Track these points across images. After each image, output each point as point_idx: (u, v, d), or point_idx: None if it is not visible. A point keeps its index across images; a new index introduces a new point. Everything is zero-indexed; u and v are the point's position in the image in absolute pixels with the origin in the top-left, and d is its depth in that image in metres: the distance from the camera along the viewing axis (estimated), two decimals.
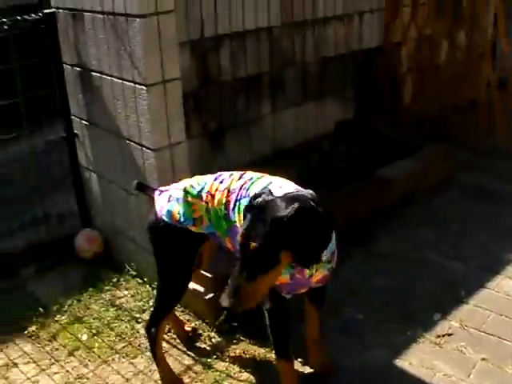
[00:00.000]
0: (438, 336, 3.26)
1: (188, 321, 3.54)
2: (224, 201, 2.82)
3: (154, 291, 3.67)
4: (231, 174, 2.90)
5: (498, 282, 3.75)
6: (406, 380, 2.98)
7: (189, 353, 3.33)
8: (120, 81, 3.52)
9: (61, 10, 3.91)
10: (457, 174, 4.99)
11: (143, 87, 3.36)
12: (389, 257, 3.82)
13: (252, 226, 2.37)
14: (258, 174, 2.85)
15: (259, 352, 3.25)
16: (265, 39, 4.68)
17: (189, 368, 3.22)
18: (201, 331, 3.46)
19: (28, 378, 3.26)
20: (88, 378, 3.22)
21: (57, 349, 3.46)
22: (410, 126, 5.47)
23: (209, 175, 2.96)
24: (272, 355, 3.08)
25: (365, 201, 4.23)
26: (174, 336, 3.44)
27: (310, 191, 2.51)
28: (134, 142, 3.54)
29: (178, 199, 2.91)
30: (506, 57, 5.17)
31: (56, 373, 3.28)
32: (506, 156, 5.21)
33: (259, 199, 2.43)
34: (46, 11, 3.95)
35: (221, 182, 2.88)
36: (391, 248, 3.97)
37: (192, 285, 3.42)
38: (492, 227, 4.31)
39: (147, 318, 3.45)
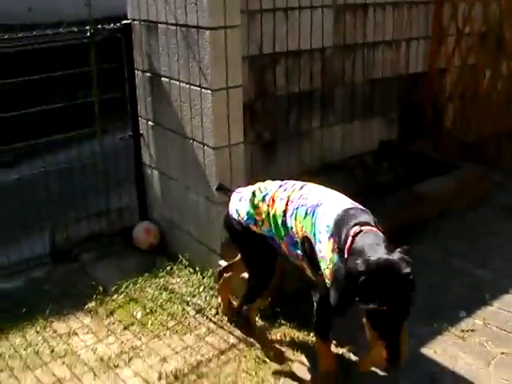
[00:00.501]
0: (462, 331, 3.54)
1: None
2: (283, 208, 3.08)
3: (205, 279, 4.05)
4: (294, 184, 3.18)
5: None
6: (431, 365, 3.29)
7: (235, 333, 3.63)
8: (188, 85, 3.91)
9: (136, 22, 4.32)
10: (491, 194, 5.24)
11: (209, 91, 3.75)
12: (421, 261, 4.11)
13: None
14: (317, 186, 3.12)
15: (298, 335, 3.55)
16: (318, 59, 5.05)
17: (233, 346, 3.54)
18: None
19: (87, 346, 3.61)
20: (141, 349, 3.55)
21: (113, 323, 3.81)
22: (450, 149, 5.75)
23: (277, 181, 3.27)
24: (310, 338, 3.41)
25: (402, 213, 4.54)
26: (222, 318, 3.76)
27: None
28: (197, 141, 3.92)
29: (246, 200, 3.25)
30: None
31: (112, 343, 3.62)
32: None
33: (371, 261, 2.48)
34: (123, 22, 4.37)
35: (284, 190, 3.16)
36: (423, 254, 4.25)
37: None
38: None
39: (197, 301, 3.83)
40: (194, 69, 3.80)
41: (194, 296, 3.96)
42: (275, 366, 3.32)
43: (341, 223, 2.73)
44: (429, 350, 3.39)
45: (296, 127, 5.05)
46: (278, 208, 3.10)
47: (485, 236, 4.63)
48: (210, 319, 3.78)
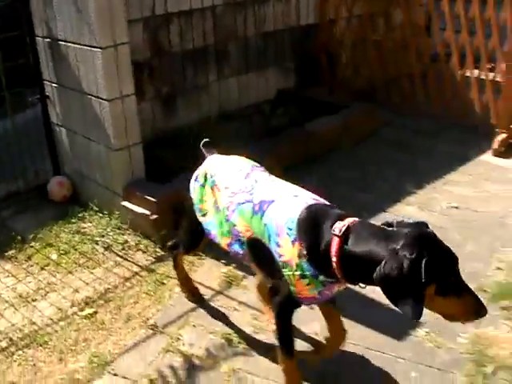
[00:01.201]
0: None
1: (139, 241, 4.30)
2: (226, 201, 2.82)
3: (112, 221, 4.48)
4: (240, 170, 2.88)
5: (398, 207, 4.57)
6: None
7: (138, 263, 4.10)
8: (81, 46, 4.30)
9: None
10: (381, 130, 5.79)
11: (99, 50, 4.16)
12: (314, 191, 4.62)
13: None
14: (264, 177, 2.84)
15: (193, 259, 4.03)
16: (209, 16, 5.48)
17: (137, 273, 4.00)
18: (147, 246, 4.22)
19: (7, 287, 4.02)
20: (56, 284, 3.98)
21: (31, 266, 4.21)
22: (344, 93, 6.26)
23: (226, 162, 3.01)
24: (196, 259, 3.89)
25: (294, 149, 5.04)
26: (127, 252, 4.21)
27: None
28: (93, 96, 4.34)
29: (199, 182, 3.02)
30: (437, 34, 5.96)
31: (30, 282, 4.03)
32: (428, 117, 6.04)
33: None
34: None
35: (229, 177, 2.86)
36: (312, 183, 4.72)
37: (139, 209, 4.24)
38: (403, 170, 5.15)
39: (106, 240, 4.27)
40: (84, 31, 4.20)
41: (102, 236, 4.38)
42: (171, 287, 3.77)
43: (308, 225, 2.45)
44: None
45: (193, 81, 5.49)
46: (222, 201, 2.85)
47: (369, 165, 5.18)
48: (117, 254, 4.20)
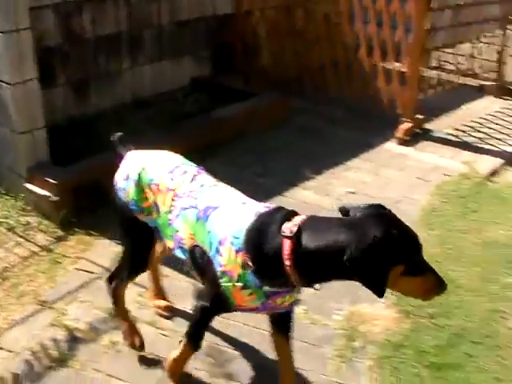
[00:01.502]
0: None
1: (40, 222, 4.38)
2: (169, 204, 2.62)
3: (17, 202, 4.54)
4: (184, 172, 2.68)
5: (294, 191, 4.74)
6: None
7: (38, 244, 4.19)
8: None
9: None
10: (292, 118, 5.95)
11: (0, 34, 4.23)
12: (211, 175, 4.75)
13: None
14: (210, 181, 2.67)
15: (89, 240, 4.14)
16: (123, 4, 5.57)
17: (35, 253, 4.09)
18: (48, 226, 4.31)
19: None
20: None
21: None
22: (260, 82, 6.41)
23: (164, 160, 2.80)
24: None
25: (200, 135, 5.17)
26: (28, 233, 4.28)
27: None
28: None
29: (133, 181, 2.75)
30: (361, 24, 6.10)
31: None
32: (340, 106, 6.27)
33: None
34: None
35: (172, 178, 2.66)
36: (215, 169, 4.79)
37: (41, 191, 4.32)
38: (306, 156, 5.33)
39: (9, 221, 4.33)
40: None
41: (6, 218, 4.44)
42: (66, 265, 3.89)
43: (255, 234, 2.34)
44: None
45: (106, 68, 5.59)
46: (165, 202, 2.64)
47: (274, 151, 5.33)
48: (19, 235, 4.27)
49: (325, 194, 4.70)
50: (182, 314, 3.33)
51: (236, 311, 2.56)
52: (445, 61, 6.68)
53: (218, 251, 2.38)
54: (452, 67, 6.77)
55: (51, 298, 3.58)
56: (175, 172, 2.66)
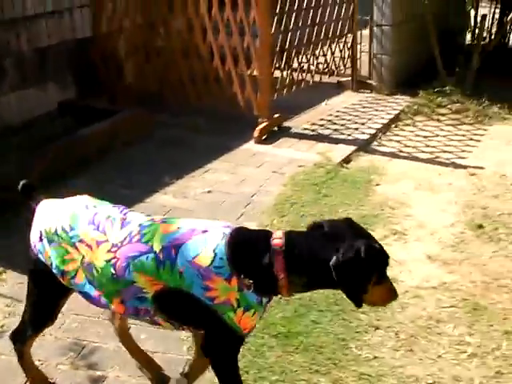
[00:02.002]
0: None
1: None
2: (106, 257, 2.38)
3: None
4: (108, 217, 2.46)
5: (155, 197, 5.03)
6: None
7: None
8: None
9: None
10: (156, 131, 6.27)
11: None
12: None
13: None
14: (144, 219, 2.48)
15: None
16: None
17: None
18: None
19: None
20: None
21: None
22: (126, 100, 6.69)
23: (80, 210, 2.51)
24: None
25: (64, 155, 5.41)
26: None
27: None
28: None
29: (50, 241, 2.50)
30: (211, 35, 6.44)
31: None
32: (200, 115, 6.59)
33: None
34: None
35: (96, 229, 2.43)
36: (81, 187, 4.58)
37: None
38: (167, 164, 5.59)
39: None
40: None
41: None
42: None
43: (241, 255, 2.32)
44: None
45: None
46: (99, 257, 2.38)
47: (138, 164, 5.61)
48: None
49: (183, 197, 4.99)
50: None
51: (245, 336, 2.46)
52: (302, 62, 7.09)
53: (204, 288, 2.27)
54: (310, 67, 7.19)
55: None
56: (97, 220, 2.43)
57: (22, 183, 2.66)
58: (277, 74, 6.76)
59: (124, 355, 3.06)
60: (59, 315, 3.27)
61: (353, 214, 4.63)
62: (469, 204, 5.02)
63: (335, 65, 7.55)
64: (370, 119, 6.74)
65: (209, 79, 6.45)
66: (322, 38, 7.22)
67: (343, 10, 7.41)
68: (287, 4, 6.71)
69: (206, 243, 2.29)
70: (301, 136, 6.27)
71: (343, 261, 2.20)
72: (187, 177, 5.35)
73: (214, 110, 6.49)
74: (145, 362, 2.96)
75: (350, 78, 7.66)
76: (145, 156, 5.72)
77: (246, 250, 2.33)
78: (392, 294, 2.43)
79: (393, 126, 6.72)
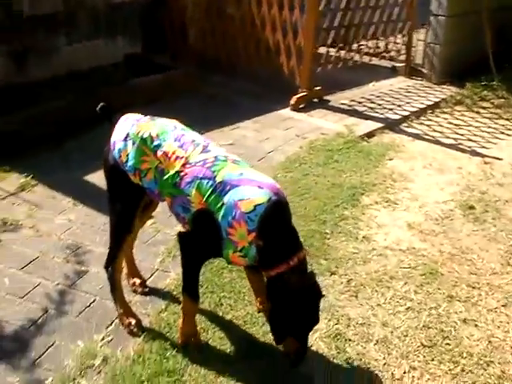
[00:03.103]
0: None
1: None
2: (178, 168, 2.86)
3: None
4: (193, 141, 2.93)
5: None
6: None
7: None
8: None
9: None
10: (204, 88, 6.92)
11: None
12: None
13: None
14: (222, 153, 2.94)
15: (13, 177, 5.01)
16: None
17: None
18: None
19: None
20: None
21: None
22: (188, 59, 7.34)
23: (170, 128, 3.03)
24: None
25: (117, 100, 6.06)
26: None
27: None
28: None
29: (133, 143, 2.96)
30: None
31: None
32: (251, 80, 7.18)
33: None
34: None
35: (180, 147, 2.89)
36: None
37: None
38: (200, 118, 5.84)
39: None
40: None
41: None
42: None
43: (271, 226, 2.81)
44: None
45: (44, 42, 6.50)
46: (173, 165, 2.88)
47: (176, 115, 6.06)
48: None
49: None
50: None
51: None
52: (351, 42, 7.52)
53: (229, 224, 2.75)
54: (359, 47, 7.62)
55: None
56: (182, 140, 2.91)
57: (100, 104, 3.22)
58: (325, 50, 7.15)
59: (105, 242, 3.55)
60: (65, 221, 4.03)
61: (354, 180, 5.18)
62: (470, 187, 5.33)
63: (387, 49, 7.86)
64: (408, 103, 7.05)
65: (260, 47, 6.94)
66: (376, 21, 7.54)
67: None
68: None
69: (254, 195, 2.75)
70: (336, 109, 6.71)
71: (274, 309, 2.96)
72: (216, 130, 5.86)
73: (262, 76, 7.07)
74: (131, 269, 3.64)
75: (404, 64, 7.91)
76: (186, 108, 6.27)
77: (277, 227, 2.84)
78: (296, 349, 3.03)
79: (429, 111, 6.99)
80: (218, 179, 2.79)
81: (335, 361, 3.31)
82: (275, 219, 2.80)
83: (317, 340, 3.43)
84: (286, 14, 6.62)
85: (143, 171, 2.95)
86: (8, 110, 5.55)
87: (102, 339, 3.30)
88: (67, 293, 3.67)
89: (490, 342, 3.52)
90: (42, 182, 4.88)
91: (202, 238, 2.94)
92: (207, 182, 2.79)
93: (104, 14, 6.72)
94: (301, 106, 6.58)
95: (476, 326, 3.66)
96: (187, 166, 2.85)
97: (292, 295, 2.82)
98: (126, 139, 2.99)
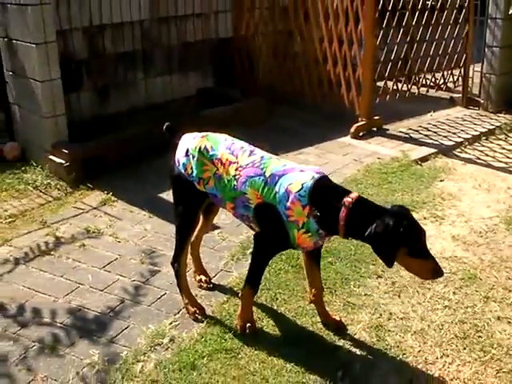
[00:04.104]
0: None
1: (57, 183, 5.95)
2: (233, 173, 3.30)
3: (44, 171, 6.18)
4: (242, 147, 3.40)
5: None
6: None
7: (52, 195, 5.80)
8: (25, 43, 6.09)
9: None
10: (271, 119, 7.44)
11: (34, 45, 5.95)
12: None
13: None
14: (267, 154, 3.41)
15: (87, 193, 5.73)
16: (137, 28, 7.22)
17: (49, 201, 5.64)
18: (62, 185, 5.92)
19: None
20: None
21: None
22: (258, 92, 7.87)
23: (221, 140, 3.51)
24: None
25: (188, 129, 6.69)
26: (47, 191, 5.92)
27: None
28: (32, 79, 6.09)
29: (193, 156, 3.43)
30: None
31: None
32: (314, 111, 7.72)
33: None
34: None
35: (231, 153, 3.35)
36: None
37: (58, 160, 5.97)
38: (270, 144, 5.99)
39: (36, 183, 5.98)
40: (26, 32, 5.97)
41: (34, 181, 6.05)
42: (67, 207, 5.49)
43: (319, 195, 3.16)
44: None
45: (124, 78, 7.22)
46: (228, 171, 3.31)
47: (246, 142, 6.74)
48: (40, 190, 5.86)
49: None
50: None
51: (296, 249, 3.44)
52: (408, 74, 7.98)
53: (286, 207, 3.14)
54: (417, 79, 8.08)
55: (50, 222, 5.15)
56: (232, 148, 3.37)
57: (166, 124, 3.73)
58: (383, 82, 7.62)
59: None
60: (141, 230, 4.66)
61: (406, 199, 5.54)
62: None
63: (444, 81, 8.27)
64: (463, 130, 7.38)
65: (322, 80, 7.49)
66: (433, 54, 7.98)
67: (457, 30, 8.11)
68: (396, 19, 7.56)
69: (299, 178, 3.18)
70: (393, 137, 7.12)
71: (374, 233, 3.05)
72: (282, 155, 6.20)
73: (325, 106, 7.58)
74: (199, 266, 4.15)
75: (460, 95, 8.30)
76: (253, 136, 6.53)
77: (324, 193, 3.19)
78: (428, 270, 3.18)
79: (483, 138, 7.27)
80: (268, 174, 3.23)
81: (375, 347, 3.69)
82: (322, 190, 3.18)
83: (359, 330, 3.83)
84: (345, 50, 7.05)
85: (205, 179, 3.42)
86: (92, 137, 6.15)
87: (170, 324, 3.83)
88: (141, 287, 4.20)
89: None
90: (121, 199, 5.51)
91: (269, 230, 3.35)
92: (259, 178, 3.24)
93: (178, 51, 7.42)
94: (360, 134, 7.00)
95: (509, 322, 3.96)
96: (240, 168, 3.29)
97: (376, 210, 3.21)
98: (187, 154, 3.47)
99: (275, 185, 3.20)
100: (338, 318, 3.77)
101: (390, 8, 7.24)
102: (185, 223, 3.67)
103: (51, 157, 6.01)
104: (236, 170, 3.30)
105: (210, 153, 3.41)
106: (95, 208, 5.35)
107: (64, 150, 5.89)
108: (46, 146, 6.07)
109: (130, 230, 4.95)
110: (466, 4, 7.96)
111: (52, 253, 4.65)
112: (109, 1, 6.85)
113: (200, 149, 3.44)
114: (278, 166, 3.27)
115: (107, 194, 5.58)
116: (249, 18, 8.01)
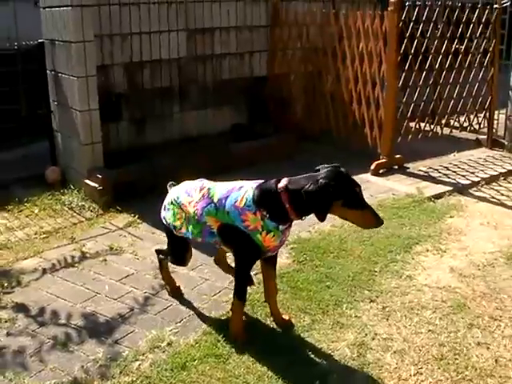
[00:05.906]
0: None
1: (90, 205, 6.51)
2: (193, 210, 3.77)
3: (80, 194, 6.72)
4: (195, 188, 3.85)
5: None
6: None
7: (85, 216, 6.34)
8: (68, 76, 6.69)
9: (46, 40, 7.16)
10: (298, 154, 7.79)
11: (75, 78, 6.54)
12: None
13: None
14: (212, 183, 3.85)
15: (117, 215, 6.25)
16: (175, 65, 7.74)
17: (81, 221, 6.20)
18: (94, 207, 6.46)
19: (7, 227, 6.33)
20: (31, 225, 6.24)
21: (20, 215, 6.52)
22: (290, 130, 8.29)
23: (182, 187, 3.99)
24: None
25: (216, 163, 7.08)
26: (81, 211, 6.47)
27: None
28: (73, 109, 6.66)
29: (168, 209, 3.98)
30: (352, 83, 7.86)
31: (15, 222, 6.34)
32: (338, 147, 8.03)
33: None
34: (39, 40, 7.20)
35: (188, 195, 3.83)
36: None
37: (92, 183, 6.50)
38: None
39: (71, 204, 6.52)
40: (70, 66, 6.58)
41: (70, 202, 6.61)
42: (98, 225, 6.01)
43: (260, 198, 3.54)
44: None
45: (160, 111, 7.72)
46: (189, 211, 3.79)
47: (268, 175, 7.10)
48: (74, 211, 6.40)
49: None
50: None
51: (266, 254, 3.75)
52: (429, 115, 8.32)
53: (241, 220, 3.53)
54: (440, 120, 8.40)
55: (79, 238, 5.66)
56: (188, 191, 3.86)
57: (170, 182, 4.23)
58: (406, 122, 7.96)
59: (191, 266, 4.80)
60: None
61: (413, 232, 5.82)
62: None
63: (469, 122, 8.57)
64: (482, 170, 7.59)
65: (348, 119, 7.89)
66: (456, 95, 8.30)
67: (481, 73, 8.37)
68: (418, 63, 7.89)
69: (241, 193, 3.58)
70: (412, 175, 7.38)
71: (307, 191, 3.35)
72: None
73: (349, 144, 7.92)
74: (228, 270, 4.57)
75: (485, 136, 8.57)
76: (278, 170, 6.67)
77: (264, 193, 3.54)
78: (369, 220, 3.51)
79: (502, 178, 7.46)
80: (215, 200, 3.68)
81: (354, 362, 4.00)
82: (261, 193, 3.57)
83: (343, 346, 4.15)
84: (369, 90, 7.44)
85: (178, 226, 3.96)
86: (126, 164, 6.65)
87: (171, 330, 4.22)
88: (151, 299, 4.64)
89: (496, 360, 4.02)
90: (146, 222, 5.98)
91: (238, 245, 3.75)
92: (210, 206, 3.69)
93: (213, 88, 7.85)
94: (381, 171, 7.31)
95: (488, 348, 4.17)
96: (195, 204, 3.77)
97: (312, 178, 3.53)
98: (164, 209, 4.10)
99: (224, 207, 3.61)
100: (287, 318, 4.14)
101: (412, 51, 7.53)
102: (176, 259, 4.41)
103: (87, 181, 6.52)
104: (194, 206, 3.76)
105: (178, 201, 3.90)
106: (121, 228, 5.82)
107: (98, 175, 6.37)
108: (83, 170, 6.60)
109: (149, 249, 5.34)
110: (491, 48, 8.20)
111: (76, 265, 5.15)
112: (149, 40, 7.34)
113: (172, 201, 3.96)
114: (221, 191, 3.68)
115: (134, 216, 6.06)
116: (282, 58, 8.46)
